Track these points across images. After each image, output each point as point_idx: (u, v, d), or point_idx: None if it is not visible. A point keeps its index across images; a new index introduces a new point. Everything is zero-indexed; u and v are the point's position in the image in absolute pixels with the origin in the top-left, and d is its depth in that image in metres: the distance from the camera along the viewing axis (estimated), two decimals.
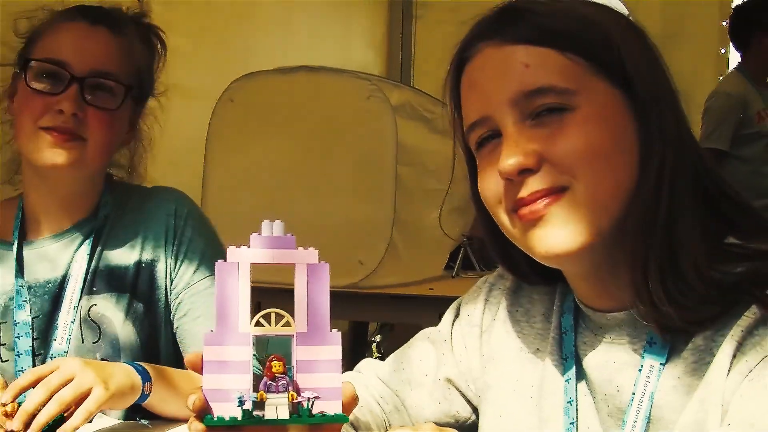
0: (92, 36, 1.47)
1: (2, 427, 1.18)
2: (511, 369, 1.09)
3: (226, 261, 0.82)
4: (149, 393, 1.30)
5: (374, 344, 4.78)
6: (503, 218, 0.95)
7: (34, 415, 1.17)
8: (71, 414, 1.19)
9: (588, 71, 0.90)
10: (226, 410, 0.80)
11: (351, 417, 1.06)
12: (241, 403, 0.79)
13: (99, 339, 1.47)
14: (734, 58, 4.84)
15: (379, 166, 2.75)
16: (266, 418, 0.79)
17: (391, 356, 1.23)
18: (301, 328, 0.82)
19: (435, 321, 1.27)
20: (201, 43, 3.59)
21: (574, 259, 0.92)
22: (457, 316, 1.19)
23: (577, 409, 0.99)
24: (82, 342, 1.46)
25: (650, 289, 0.88)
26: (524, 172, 0.90)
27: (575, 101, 0.89)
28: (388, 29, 5.20)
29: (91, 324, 1.48)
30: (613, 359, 0.97)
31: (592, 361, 0.99)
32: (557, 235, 0.90)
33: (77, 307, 1.47)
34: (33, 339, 1.45)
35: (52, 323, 1.47)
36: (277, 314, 0.82)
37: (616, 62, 0.90)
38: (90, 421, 1.38)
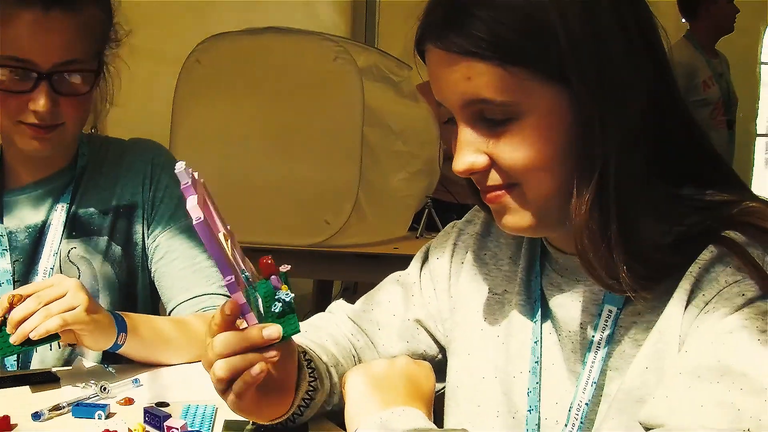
0: (50, 26, 1.41)
1: None
2: (480, 310, 1.14)
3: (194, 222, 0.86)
4: (123, 343, 1.35)
5: None
6: (477, 186, 1.01)
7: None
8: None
9: (531, 80, 0.91)
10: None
11: (318, 350, 1.16)
12: (284, 305, 0.92)
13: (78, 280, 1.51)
14: None
15: (345, 128, 2.78)
16: (289, 300, 0.93)
17: (361, 298, 1.29)
18: (226, 231, 0.93)
19: None
20: (167, 4, 3.58)
21: (530, 233, 1.02)
22: (425, 259, 1.25)
23: (549, 344, 1.06)
24: None
25: (612, 279, 0.93)
26: (474, 173, 0.97)
27: (515, 111, 0.92)
28: None
29: (70, 266, 1.53)
30: (578, 298, 1.03)
31: (557, 300, 1.05)
32: (509, 219, 0.98)
33: (57, 252, 1.52)
34: (14, 282, 1.50)
35: (33, 268, 1.52)
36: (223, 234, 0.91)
37: (555, 61, 0.90)
38: (70, 364, 1.44)
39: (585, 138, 0.91)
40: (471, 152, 0.95)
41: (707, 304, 0.89)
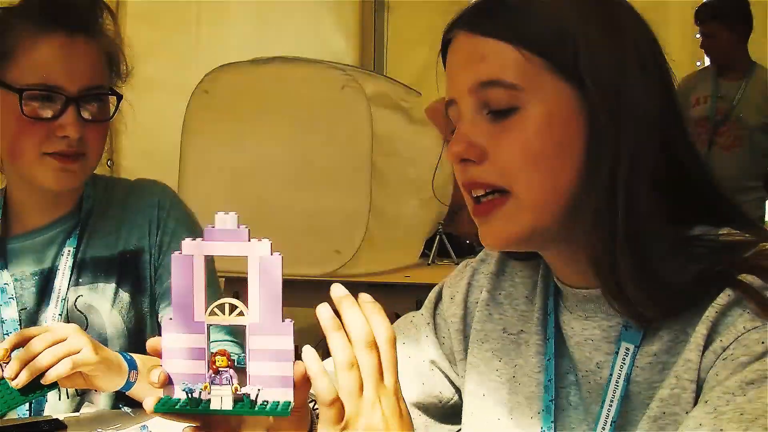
0: (75, 51, 1.44)
1: None
2: (495, 350, 1.11)
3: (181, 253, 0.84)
4: (135, 381, 1.33)
5: None
6: (467, 201, 0.99)
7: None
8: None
9: (541, 68, 0.92)
10: (180, 395, 0.85)
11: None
12: (189, 392, 0.84)
13: (86, 329, 1.48)
14: None
15: (354, 156, 2.76)
16: (212, 407, 0.84)
17: None
18: (254, 319, 0.85)
19: (412, 308, 1.28)
20: (175, 35, 3.58)
21: (515, 244, 0.99)
22: (439, 299, 1.22)
23: (559, 387, 1.03)
24: None
25: (620, 290, 0.91)
26: (466, 161, 0.95)
27: (523, 99, 0.92)
28: (361, 18, 5.19)
29: (77, 315, 1.49)
30: (591, 337, 1.00)
31: (572, 339, 1.02)
32: (495, 232, 0.96)
33: (65, 299, 1.49)
34: None
35: (39, 315, 1.49)
36: (231, 304, 0.85)
37: (570, 59, 0.91)
38: (77, 411, 1.41)
39: (594, 148, 0.91)
40: (465, 141, 0.94)
41: (725, 350, 0.86)
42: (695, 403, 0.87)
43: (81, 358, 1.24)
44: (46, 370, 1.22)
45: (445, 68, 1.02)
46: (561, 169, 0.92)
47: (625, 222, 0.89)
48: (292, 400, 0.84)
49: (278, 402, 0.84)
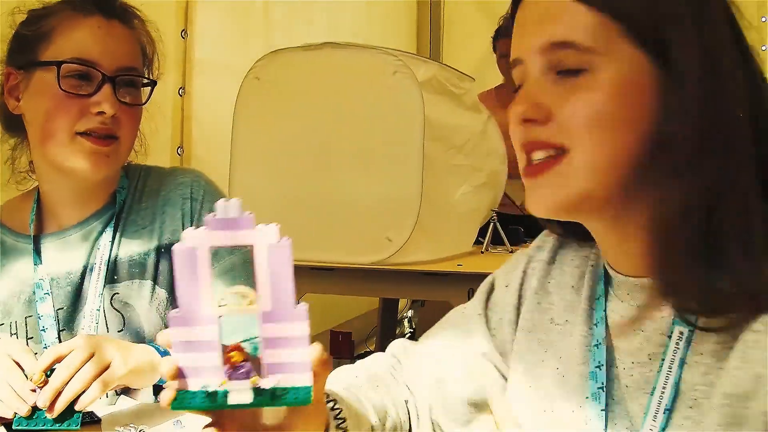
0: (112, 32, 1.46)
1: (27, 404, 1.21)
2: (541, 340, 1.09)
3: (183, 246, 0.81)
4: None
5: (406, 320, 4.79)
6: (520, 164, 0.97)
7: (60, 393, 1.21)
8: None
9: (617, 33, 0.88)
10: (196, 387, 0.82)
11: (377, 401, 1.06)
12: (205, 391, 0.82)
13: (123, 328, 1.47)
14: None
15: (405, 142, 2.72)
16: (230, 402, 0.82)
17: (424, 335, 1.24)
18: (266, 307, 0.82)
19: (464, 297, 1.24)
20: (247, 23, 3.57)
21: (566, 215, 0.95)
22: (491, 291, 1.20)
23: (608, 378, 0.98)
24: (107, 331, 1.47)
25: (676, 278, 0.87)
26: (528, 121, 0.92)
27: (595, 62, 0.89)
28: (418, 10, 5.17)
29: (114, 313, 1.48)
30: (642, 326, 0.96)
31: (622, 328, 0.98)
32: (544, 195, 0.93)
33: (101, 295, 1.47)
34: (59, 331, 1.45)
35: (77, 313, 1.48)
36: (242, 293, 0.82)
37: (650, 27, 0.88)
38: (113, 403, 1.40)
39: (667, 121, 0.86)
40: (529, 101, 0.92)
41: None
42: None
43: (109, 377, 1.23)
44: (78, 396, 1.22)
45: (512, 25, 0.99)
46: (625, 136, 0.88)
47: (705, 201, 0.84)
48: (311, 383, 0.82)
49: (297, 389, 0.82)
